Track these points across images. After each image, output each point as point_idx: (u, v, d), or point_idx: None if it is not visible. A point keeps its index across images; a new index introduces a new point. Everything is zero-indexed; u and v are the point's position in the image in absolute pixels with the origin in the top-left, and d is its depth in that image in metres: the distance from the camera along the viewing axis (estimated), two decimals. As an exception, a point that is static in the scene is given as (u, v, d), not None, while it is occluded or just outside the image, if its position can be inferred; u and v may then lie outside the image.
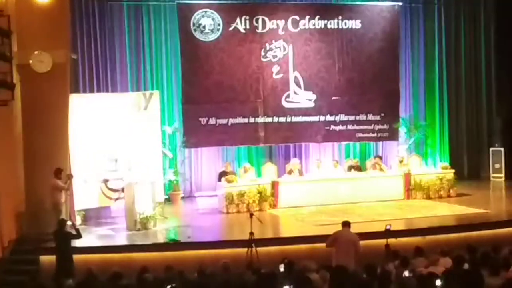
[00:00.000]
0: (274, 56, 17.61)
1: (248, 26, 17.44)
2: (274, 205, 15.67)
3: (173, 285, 7.95)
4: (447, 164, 17.65)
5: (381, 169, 16.82)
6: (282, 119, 17.70)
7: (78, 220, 13.72)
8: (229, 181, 15.50)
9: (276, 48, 17.61)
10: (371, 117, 18.22)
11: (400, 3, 18.52)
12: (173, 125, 17.60)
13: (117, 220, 14.37)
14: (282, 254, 10.66)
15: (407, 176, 16.51)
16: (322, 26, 17.89)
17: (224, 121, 17.29)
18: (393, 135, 18.50)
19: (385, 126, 18.32)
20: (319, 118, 17.91)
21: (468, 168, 19.88)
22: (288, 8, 18.02)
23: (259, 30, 17.52)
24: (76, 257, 11.08)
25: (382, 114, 18.28)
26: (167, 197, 16.47)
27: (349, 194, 16.05)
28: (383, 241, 10.83)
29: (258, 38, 17.51)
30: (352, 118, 18.12)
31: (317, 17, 17.83)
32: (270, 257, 10.90)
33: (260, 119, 17.54)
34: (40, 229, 12.47)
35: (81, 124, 14.02)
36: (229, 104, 17.31)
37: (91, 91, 16.66)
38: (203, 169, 18.35)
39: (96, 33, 17.12)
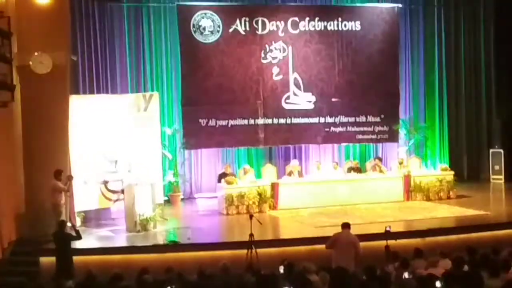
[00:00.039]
0: (274, 58, 17.63)
1: (248, 28, 17.45)
2: (274, 207, 15.68)
3: (173, 286, 7.95)
4: (447, 165, 17.68)
5: (381, 171, 16.83)
6: (282, 120, 17.71)
7: (78, 222, 13.72)
8: (229, 183, 15.51)
9: (276, 49, 17.63)
10: (371, 118, 18.22)
11: (400, 5, 18.55)
12: (173, 127, 17.61)
13: (117, 222, 14.36)
14: (282, 255, 10.65)
15: (407, 178, 16.51)
16: (322, 28, 17.90)
17: (224, 122, 17.30)
18: (393, 137, 18.50)
19: (385, 128, 18.33)
20: (319, 120, 17.92)
21: (468, 170, 19.90)
22: (288, 9, 18.04)
23: (259, 32, 17.53)
24: (76, 258, 11.09)
25: (382, 116, 18.29)
26: (167, 198, 16.48)
27: (349, 195, 16.06)
28: (383, 242, 10.82)
29: (258, 40, 17.52)
30: (352, 119, 18.13)
31: (316, 18, 17.84)
32: (270, 259, 10.88)
33: (260, 121, 17.56)
34: (40, 231, 12.46)
35: (81, 126, 14.03)
36: (229, 106, 17.31)
37: (91, 92, 16.65)
38: (203, 170, 18.36)
39: (96, 34, 17.13)
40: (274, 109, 17.64)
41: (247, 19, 17.44)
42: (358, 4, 18.72)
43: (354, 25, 18.06)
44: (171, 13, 17.63)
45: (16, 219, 12.92)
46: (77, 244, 11.47)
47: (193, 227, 14.09)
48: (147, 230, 13.47)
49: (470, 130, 20.15)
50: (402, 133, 18.65)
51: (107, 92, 16.91)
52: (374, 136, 18.37)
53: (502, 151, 19.21)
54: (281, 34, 17.64)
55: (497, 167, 19.23)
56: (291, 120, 17.75)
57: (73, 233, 11.25)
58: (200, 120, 17.16)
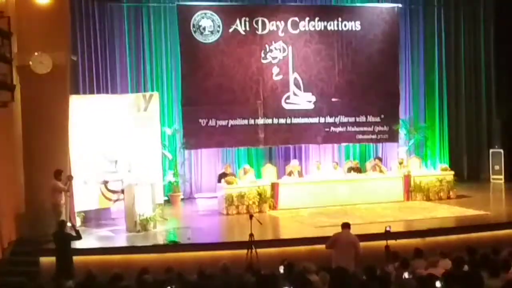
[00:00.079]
0: (274, 58, 17.63)
1: (248, 28, 17.45)
2: (274, 207, 15.68)
3: (173, 286, 7.95)
4: (447, 165, 17.68)
5: (381, 171, 16.83)
6: (282, 120, 17.70)
7: (78, 222, 13.72)
8: (229, 183, 15.51)
9: (276, 49, 17.63)
10: (371, 118, 18.22)
11: (400, 5, 18.55)
12: (173, 127, 17.61)
13: (117, 222, 14.36)
14: (282, 255, 10.65)
15: (407, 178, 16.51)
16: (322, 28, 17.90)
17: (224, 122, 17.30)
18: (393, 137, 18.50)
19: (385, 128, 18.33)
20: (319, 120, 17.92)
21: (468, 170, 19.90)
22: (288, 9, 18.04)
23: (259, 32, 17.53)
24: (76, 258, 11.09)
25: (382, 116, 18.28)
26: (167, 198, 16.48)
27: (349, 195, 16.07)
28: (383, 242, 10.82)
29: (258, 40, 17.52)
30: (352, 119, 18.13)
31: (316, 18, 17.84)
32: (270, 259, 10.88)
33: (260, 121, 17.55)
34: (40, 231, 12.46)
35: (81, 126, 14.03)
36: (229, 106, 17.31)
37: (91, 92, 16.65)
38: (203, 170, 18.36)
39: (96, 34, 17.13)
40: (274, 109, 17.64)
41: (247, 19, 17.44)
42: (358, 4, 18.72)
43: (354, 25, 18.06)
44: (171, 13, 17.63)
45: (16, 219, 12.92)
46: (77, 244, 11.47)
47: (193, 227, 14.09)
48: (147, 230, 13.47)
49: (470, 130, 20.15)
50: (402, 133, 18.64)
51: (107, 92, 16.91)
52: (374, 136, 18.36)
53: (502, 151, 19.21)
54: (281, 34, 17.64)
55: (497, 167, 19.23)
56: (291, 120, 17.74)
57: (73, 233, 11.25)
58: (200, 120, 17.16)
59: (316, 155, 18.61)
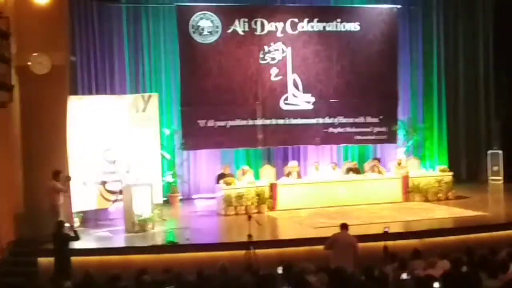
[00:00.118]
0: (273, 59, 17.62)
1: (246, 29, 17.44)
2: (272, 207, 15.68)
3: (172, 287, 7.95)
4: (445, 166, 17.69)
5: (379, 172, 16.84)
6: (280, 121, 17.69)
7: (76, 222, 13.72)
8: (227, 183, 15.52)
9: (274, 50, 17.61)
10: (369, 119, 18.21)
11: (399, 6, 18.53)
12: (172, 127, 17.61)
13: (115, 222, 14.36)
14: (280, 256, 10.67)
15: (406, 179, 16.52)
16: (321, 29, 17.89)
17: (222, 123, 17.28)
18: (391, 138, 18.48)
19: (384, 129, 18.31)
20: (318, 121, 17.91)
21: (467, 171, 19.91)
22: (286, 10, 18.03)
23: (258, 33, 17.52)
24: (74, 259, 11.08)
25: (381, 117, 18.26)
26: (165, 199, 16.45)
27: (348, 196, 16.07)
28: (381, 243, 10.83)
29: (256, 41, 17.51)
30: (350, 120, 18.11)
31: (315, 19, 17.83)
32: (268, 259, 10.88)
33: (259, 122, 17.53)
34: (38, 231, 12.45)
35: (80, 126, 14.03)
36: (227, 107, 17.30)
37: (90, 93, 16.67)
38: (201, 171, 18.37)
39: (95, 35, 17.16)
40: (273, 110, 17.62)
41: (246, 19, 17.42)
42: (357, 5, 18.72)
43: (353, 26, 18.04)
44: (170, 13, 17.63)
45: (15, 219, 12.92)
46: (75, 245, 11.47)
47: (192, 228, 14.09)
48: (146, 230, 13.47)
49: (469, 131, 20.16)
50: (400, 134, 18.64)
51: (106, 93, 16.91)
52: (372, 137, 18.34)
53: (500, 152, 19.20)
54: (280, 35, 17.63)
55: (495, 168, 19.22)
56: (289, 121, 17.73)
57: (72, 234, 11.25)
58: (198, 121, 17.13)
59: (315, 156, 18.59)
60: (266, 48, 17.54)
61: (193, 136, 17.17)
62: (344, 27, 18.01)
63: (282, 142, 17.98)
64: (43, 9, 12.88)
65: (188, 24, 17.03)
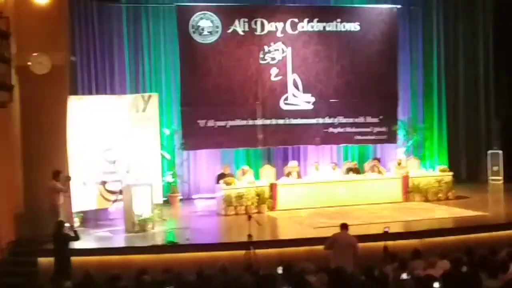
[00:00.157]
0: (273, 59, 17.61)
1: (246, 29, 17.43)
2: (272, 207, 15.68)
3: (171, 287, 7.95)
4: (445, 166, 17.68)
5: (379, 172, 16.83)
6: (280, 121, 17.68)
7: (76, 222, 13.72)
8: (227, 183, 15.53)
9: (274, 50, 17.61)
10: (369, 119, 18.20)
11: (399, 6, 18.52)
12: (172, 127, 17.61)
13: (115, 222, 14.37)
14: (280, 256, 10.67)
15: (406, 179, 16.52)
16: (321, 29, 17.89)
17: (222, 123, 17.28)
18: (391, 138, 18.47)
19: (384, 129, 18.30)
20: (318, 121, 17.90)
21: (467, 171, 19.90)
22: (287, 10, 18.03)
23: (258, 33, 17.51)
24: (74, 259, 11.08)
25: (381, 117, 18.26)
26: (165, 199, 16.45)
27: (348, 196, 16.07)
28: (381, 243, 10.83)
29: (256, 41, 17.51)
30: (350, 120, 18.10)
31: (315, 19, 17.82)
32: (268, 259, 10.88)
33: (259, 122, 17.53)
34: (38, 231, 12.45)
35: (80, 126, 14.03)
36: (227, 107, 17.29)
37: (90, 93, 16.67)
38: (201, 171, 18.37)
39: (95, 35, 17.16)
40: (273, 110, 17.62)
41: (246, 19, 17.42)
42: (357, 5, 18.72)
43: (353, 26, 18.04)
44: (170, 13, 17.63)
45: (15, 219, 12.92)
46: (75, 245, 11.47)
47: (192, 228, 14.09)
48: (146, 230, 13.48)
49: (469, 131, 20.15)
50: (400, 134, 18.63)
51: (106, 93, 16.92)
52: (372, 137, 18.33)
53: (500, 152, 19.19)
54: (280, 35, 17.62)
55: (495, 168, 19.21)
56: (289, 121, 17.72)
57: (72, 234, 11.25)
58: (198, 121, 17.13)
59: (315, 156, 18.59)
60: (266, 48, 17.54)
61: (193, 136, 17.16)
62: (344, 27, 18.01)
63: (282, 142, 17.98)
64: (43, 9, 12.88)
65: (188, 24, 17.03)
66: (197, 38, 17.08)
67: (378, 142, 18.65)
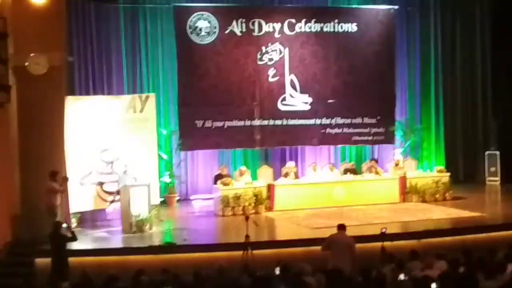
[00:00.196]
0: (270, 59, 17.61)
1: (244, 29, 17.43)
2: (270, 208, 15.69)
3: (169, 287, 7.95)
4: (443, 167, 17.70)
5: (376, 172, 16.84)
6: (278, 122, 17.67)
7: (74, 223, 13.71)
8: (225, 184, 15.52)
9: (272, 51, 17.60)
10: (367, 120, 18.20)
11: (396, 7, 18.54)
12: (169, 128, 17.60)
13: (112, 223, 14.37)
14: (277, 257, 10.64)
15: (403, 179, 16.54)
16: (319, 29, 17.89)
17: (220, 124, 17.26)
18: (389, 138, 18.48)
19: (381, 129, 18.31)
20: (315, 121, 17.90)
21: (464, 172, 19.91)
22: (284, 11, 18.04)
23: (255, 33, 17.51)
24: (71, 259, 11.06)
25: (378, 117, 18.26)
26: (163, 199, 16.45)
27: (345, 197, 16.08)
28: (378, 244, 10.83)
29: (254, 41, 17.50)
30: (348, 121, 18.10)
31: (313, 20, 17.82)
32: (265, 260, 10.86)
33: (256, 122, 17.51)
34: (35, 232, 12.43)
35: (77, 127, 14.02)
36: (225, 107, 17.28)
37: (87, 93, 16.65)
38: (199, 171, 18.35)
39: (93, 35, 17.14)
40: (270, 111, 17.61)
41: (243, 20, 17.41)
42: (354, 6, 18.73)
43: (350, 27, 18.04)
44: (167, 14, 17.61)
45: (12, 220, 12.90)
46: (72, 245, 11.46)
47: (189, 229, 14.10)
48: (143, 231, 13.47)
49: (466, 132, 20.17)
50: (398, 134, 18.64)
51: (103, 93, 16.88)
52: (370, 138, 18.34)
53: (498, 152, 19.19)
54: (277, 35, 17.62)
55: (493, 169, 19.23)
56: (287, 122, 17.70)
57: (69, 234, 11.22)
58: (196, 122, 17.11)
59: (312, 156, 18.59)
60: (263, 48, 17.53)
61: (191, 136, 17.15)
62: (341, 28, 18.01)
63: (279, 142, 17.97)
64: (41, 9, 12.86)
65: (186, 24, 17.02)
66: (194, 38, 17.07)
67: (376, 143, 18.65)
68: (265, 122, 17.57)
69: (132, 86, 17.63)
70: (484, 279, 7.59)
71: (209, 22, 17.15)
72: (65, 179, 13.02)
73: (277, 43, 17.61)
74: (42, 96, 13.08)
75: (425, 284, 7.27)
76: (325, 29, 17.91)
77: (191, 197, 18.12)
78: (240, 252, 11.10)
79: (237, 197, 15.34)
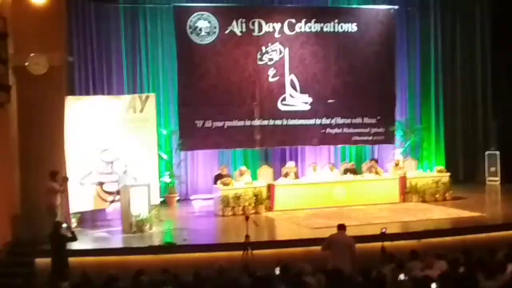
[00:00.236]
0: (270, 59, 17.60)
1: (244, 29, 17.43)
2: (270, 208, 15.69)
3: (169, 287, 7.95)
4: (443, 167, 17.69)
5: (376, 172, 16.84)
6: (278, 122, 17.67)
7: (74, 223, 13.71)
8: (225, 184, 15.52)
9: (272, 51, 17.60)
10: (367, 120, 18.20)
11: (396, 7, 18.53)
12: (169, 128, 17.60)
13: (112, 223, 14.37)
14: (277, 257, 10.64)
15: (403, 179, 16.54)
16: (319, 29, 17.89)
17: (220, 124, 17.26)
18: (389, 138, 18.48)
19: (381, 129, 18.30)
20: (315, 121, 17.89)
21: (464, 172, 19.91)
22: (284, 11, 18.03)
23: (255, 33, 17.51)
24: (71, 259, 11.06)
25: (378, 117, 18.26)
26: (163, 199, 16.44)
27: (345, 197, 16.08)
28: (378, 244, 10.82)
29: (254, 41, 17.50)
30: (348, 121, 18.09)
31: (313, 20, 17.82)
32: (265, 260, 10.86)
33: (256, 122, 17.51)
34: (35, 232, 12.43)
35: (77, 127, 14.02)
36: (225, 107, 17.28)
37: (87, 93, 16.65)
38: (199, 171, 18.35)
39: (93, 35, 17.14)
40: (270, 111, 17.61)
41: (243, 20, 17.41)
42: (354, 6, 18.73)
43: (350, 27, 18.04)
44: (167, 14, 17.60)
45: (12, 220, 12.90)
46: (72, 245, 11.46)
47: (189, 229, 14.10)
48: (143, 231, 13.47)
49: (466, 132, 20.17)
50: (398, 134, 18.64)
51: (103, 93, 16.88)
52: (370, 138, 18.33)
53: (498, 152, 19.19)
54: (277, 35, 17.62)
55: (493, 169, 19.23)
56: (287, 122, 17.70)
57: (69, 234, 11.22)
58: (196, 121, 17.11)
59: (312, 156, 18.59)
60: (263, 48, 17.52)
61: (191, 136, 17.15)
62: (341, 28, 18.01)
63: (279, 142, 17.97)
64: (41, 9, 12.86)
65: (186, 24, 17.02)
66: (194, 38, 17.07)
67: (376, 143, 18.64)
68: (265, 122, 17.57)
69: (132, 86, 17.62)
70: (484, 279, 7.59)
71: (209, 22, 17.15)
72: (65, 179, 13.02)
73: (277, 43, 17.60)
74: (42, 96, 13.08)
75: (425, 284, 7.27)
76: (325, 29, 17.91)
77: (191, 197, 18.12)
78: (240, 252, 11.10)
79: (237, 197, 15.34)
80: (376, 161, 17.62)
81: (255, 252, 11.11)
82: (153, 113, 15.13)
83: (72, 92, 15.23)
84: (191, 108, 17.09)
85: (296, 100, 17.74)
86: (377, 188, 16.44)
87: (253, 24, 17.47)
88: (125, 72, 17.63)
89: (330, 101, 17.92)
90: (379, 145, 18.89)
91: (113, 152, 14.55)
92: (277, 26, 17.59)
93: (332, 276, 7.76)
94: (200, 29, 17.08)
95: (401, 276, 8.24)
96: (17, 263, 12.06)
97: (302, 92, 17.77)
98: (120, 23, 17.60)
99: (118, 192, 14.17)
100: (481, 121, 20.10)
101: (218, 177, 16.11)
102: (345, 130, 18.08)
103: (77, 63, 16.50)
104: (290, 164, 17.18)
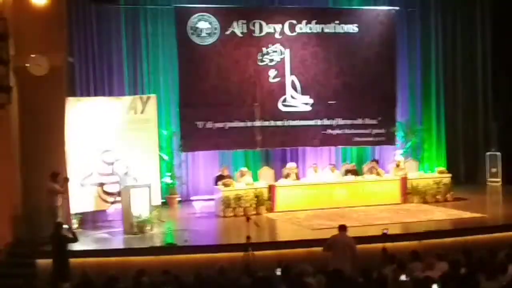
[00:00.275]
0: (271, 60, 17.60)
1: (245, 30, 17.42)
2: (271, 209, 15.68)
3: (170, 288, 7.97)
4: (444, 168, 17.69)
5: (377, 173, 16.84)
6: (279, 123, 17.66)
7: (75, 224, 13.71)
8: (226, 185, 15.52)
9: (273, 52, 17.59)
10: (368, 121, 18.18)
11: (397, 8, 18.53)
12: (170, 129, 17.60)
13: (113, 224, 14.36)
14: (278, 258, 10.65)
15: (404, 180, 16.53)
16: (319, 30, 17.88)
17: (221, 125, 17.25)
18: (389, 139, 18.45)
19: (382, 130, 18.28)
20: (316, 122, 17.87)
21: (465, 173, 19.91)
22: (285, 12, 18.02)
23: (256, 34, 17.50)
24: (72, 260, 11.04)
25: (379, 118, 18.24)
26: (163, 200, 16.44)
27: (346, 198, 16.07)
28: (379, 245, 10.83)
29: (255, 42, 17.49)
30: (349, 122, 18.08)
31: (314, 21, 17.82)
32: (266, 261, 10.87)
33: (257, 123, 17.49)
34: (36, 233, 12.44)
35: (78, 128, 14.03)
36: (226, 108, 17.27)
37: (88, 94, 16.67)
38: (200, 172, 18.34)
39: (93, 36, 17.15)
40: (271, 112, 17.59)
41: (244, 21, 17.40)
42: (355, 7, 18.72)
43: (351, 28, 18.02)
44: (168, 15, 17.60)
45: (13, 221, 12.90)
46: (73, 246, 11.45)
47: (190, 229, 14.08)
48: (144, 232, 13.47)
49: (467, 133, 20.17)
50: (399, 135, 18.63)
51: (104, 94, 16.88)
52: (371, 139, 18.31)
53: (499, 153, 19.18)
54: (278, 36, 17.61)
55: (494, 170, 19.22)
56: (288, 123, 17.68)
57: (70, 235, 11.22)
58: (197, 123, 17.09)
59: (313, 157, 18.58)
60: (264, 49, 17.51)
61: (192, 137, 17.13)
62: (342, 29, 18.00)
63: (280, 143, 17.96)
64: (42, 10, 12.88)
65: (187, 25, 17.01)
66: (195, 39, 17.06)
67: (377, 144, 18.62)
68: (266, 123, 17.55)
69: (133, 87, 17.62)
70: (485, 280, 7.59)
71: (210, 23, 17.14)
72: (66, 180, 13.03)
73: (278, 44, 17.60)
74: (43, 97, 13.09)
75: (426, 285, 7.27)
76: (325, 30, 17.91)
77: (192, 198, 18.11)
78: (241, 253, 11.09)
79: (238, 198, 15.34)
80: (377, 162, 17.62)
81: (256, 253, 11.10)
82: (154, 114, 15.14)
83: (73, 93, 15.23)
84: (192, 109, 17.08)
85: (297, 101, 17.73)
86: (378, 189, 16.43)
87: (253, 25, 17.47)
88: (126, 73, 17.64)
89: (331, 102, 17.90)
90: (380, 146, 18.88)
91: (114, 153, 14.56)
92: (278, 27, 17.59)
93: (333, 277, 7.76)
94: (201, 30, 17.07)
95: (402, 277, 8.25)
96: (18, 264, 12.07)
97: (303, 93, 17.76)
98: (121, 24, 17.61)
99: (119, 193, 14.17)
100: (482, 122, 20.10)
101: (219, 178, 16.11)
102: (346, 131, 18.06)
103: (78, 64, 16.52)
104: (291, 165, 17.16)
